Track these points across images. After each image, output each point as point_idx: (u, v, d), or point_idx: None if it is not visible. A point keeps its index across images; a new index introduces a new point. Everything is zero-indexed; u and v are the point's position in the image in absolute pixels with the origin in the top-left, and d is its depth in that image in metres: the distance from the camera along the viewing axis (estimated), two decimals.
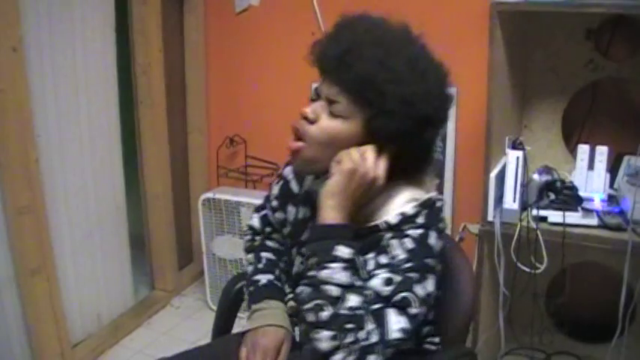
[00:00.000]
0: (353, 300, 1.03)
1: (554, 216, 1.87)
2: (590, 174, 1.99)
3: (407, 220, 1.10)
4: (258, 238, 1.43)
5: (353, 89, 1.09)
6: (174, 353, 1.35)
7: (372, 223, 1.13)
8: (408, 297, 1.05)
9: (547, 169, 2.02)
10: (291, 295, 1.35)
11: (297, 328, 1.32)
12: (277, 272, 1.38)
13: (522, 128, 2.27)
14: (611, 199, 1.97)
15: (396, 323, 1.04)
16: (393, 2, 2.33)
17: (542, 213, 1.88)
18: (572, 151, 2.18)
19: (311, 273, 1.07)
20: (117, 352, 2.47)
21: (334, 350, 1.02)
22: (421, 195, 1.14)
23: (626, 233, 1.77)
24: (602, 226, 1.83)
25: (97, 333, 2.50)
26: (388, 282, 1.06)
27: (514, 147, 1.93)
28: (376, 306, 1.04)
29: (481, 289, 1.99)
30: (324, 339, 1.02)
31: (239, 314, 1.53)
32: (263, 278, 1.36)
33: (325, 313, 1.03)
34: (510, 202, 1.90)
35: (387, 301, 1.05)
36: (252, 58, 2.77)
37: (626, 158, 2.00)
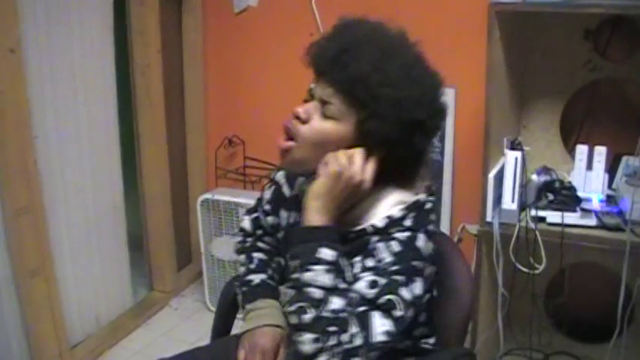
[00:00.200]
0: (336, 302, 1.03)
1: (552, 216, 1.87)
2: (589, 174, 1.99)
3: (394, 223, 1.10)
4: (249, 239, 1.43)
5: (346, 90, 1.09)
6: (173, 354, 1.35)
7: (359, 227, 1.12)
8: (392, 299, 1.04)
9: (546, 170, 2.02)
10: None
11: None
12: (270, 272, 1.37)
13: (521, 128, 2.27)
14: (609, 199, 1.97)
15: (381, 326, 1.03)
16: (392, 2, 2.35)
17: (541, 213, 1.88)
18: (571, 152, 2.18)
19: (294, 275, 1.07)
20: (116, 353, 2.47)
21: (317, 353, 1.01)
22: (409, 197, 1.14)
23: (624, 233, 1.77)
24: (601, 226, 1.83)
25: (95, 334, 2.50)
26: (373, 285, 1.05)
27: (513, 147, 1.93)
28: (361, 309, 1.04)
29: (480, 290, 1.99)
30: (306, 341, 1.02)
31: (238, 315, 1.52)
32: (256, 278, 1.35)
33: (308, 316, 1.03)
34: (509, 202, 1.90)
35: (372, 303, 1.04)
36: (251, 58, 2.77)
37: (624, 158, 2.00)
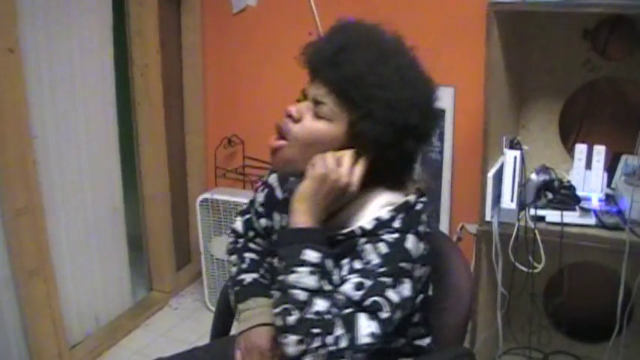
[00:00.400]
0: (320, 304, 1.03)
1: (551, 216, 1.87)
2: (588, 173, 1.99)
3: (382, 224, 1.10)
4: (240, 240, 1.42)
5: (340, 90, 1.09)
6: (172, 354, 1.35)
7: (348, 229, 1.12)
8: (378, 301, 1.04)
9: (545, 169, 2.02)
10: None
11: None
12: (262, 271, 1.36)
13: (520, 128, 2.27)
14: (608, 198, 1.97)
15: (366, 328, 1.03)
16: (391, 2, 2.35)
17: (540, 213, 1.88)
18: (570, 151, 2.18)
19: (280, 277, 1.07)
20: (115, 353, 2.47)
21: (301, 355, 1.01)
22: (399, 199, 1.13)
23: (623, 233, 1.78)
24: (600, 225, 1.83)
25: (94, 334, 2.50)
26: (359, 286, 1.05)
27: (511, 147, 1.93)
28: (347, 311, 1.04)
29: (479, 289, 1.99)
30: (291, 343, 1.02)
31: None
32: (248, 277, 1.34)
33: (292, 318, 1.02)
34: (508, 201, 1.90)
35: (358, 305, 1.04)
36: (250, 58, 2.77)
37: (623, 158, 2.00)
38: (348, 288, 1.05)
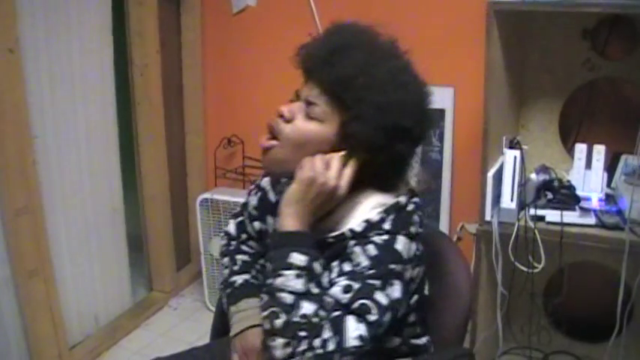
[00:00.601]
0: (307, 308, 1.03)
1: (551, 215, 1.87)
2: (588, 173, 1.99)
3: (372, 226, 1.09)
4: (233, 243, 1.42)
5: (331, 90, 1.09)
6: (171, 354, 1.34)
7: (338, 232, 1.12)
8: (366, 304, 1.03)
9: (544, 169, 2.02)
10: None
11: None
12: (253, 272, 1.36)
13: (519, 128, 2.27)
14: (608, 198, 1.97)
15: (354, 331, 1.02)
16: (391, 2, 2.35)
17: (540, 212, 1.88)
18: (570, 151, 2.18)
19: (268, 281, 1.07)
20: (115, 353, 2.47)
21: (289, 358, 1.01)
22: (389, 200, 1.13)
23: (623, 232, 1.77)
24: (600, 225, 1.83)
25: (94, 334, 2.50)
26: (347, 289, 1.04)
27: (511, 146, 1.93)
28: (335, 314, 1.03)
29: (479, 289, 1.99)
30: (278, 346, 1.02)
31: None
32: (239, 279, 1.34)
33: (279, 321, 1.02)
34: (508, 201, 1.90)
35: (346, 308, 1.03)
36: (250, 58, 2.77)
37: (623, 157, 2.00)
38: (336, 291, 1.05)
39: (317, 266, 1.07)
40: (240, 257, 1.38)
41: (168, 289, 2.88)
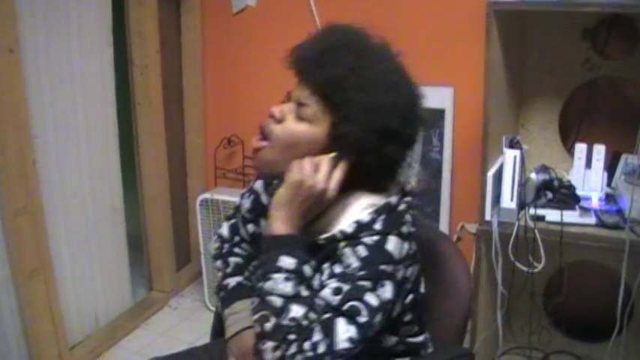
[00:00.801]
0: (296, 310, 1.02)
1: (551, 215, 1.87)
2: (588, 173, 1.99)
3: (363, 227, 1.09)
4: (226, 245, 1.41)
5: (322, 91, 1.09)
6: (169, 354, 1.34)
7: (329, 234, 1.11)
8: (357, 305, 1.03)
9: (544, 168, 2.02)
10: None
11: None
12: (246, 274, 1.35)
13: (519, 127, 2.27)
14: (608, 197, 1.97)
15: (345, 333, 1.02)
16: (390, 2, 2.35)
17: (540, 212, 1.88)
18: (570, 150, 2.18)
19: (259, 284, 1.07)
20: (115, 353, 2.47)
21: None
22: (380, 200, 1.12)
23: (623, 232, 1.78)
24: (600, 224, 1.83)
25: (94, 334, 2.50)
26: (337, 291, 1.04)
27: (511, 146, 1.93)
28: (325, 316, 1.03)
29: (479, 289, 1.99)
30: (268, 350, 1.02)
31: None
32: (232, 281, 1.33)
33: (269, 324, 1.02)
34: (508, 201, 1.90)
35: (336, 310, 1.03)
36: (250, 58, 2.77)
37: (623, 157, 2.00)
38: (326, 293, 1.05)
39: (307, 269, 1.07)
40: (232, 260, 1.37)
41: (168, 289, 2.88)
